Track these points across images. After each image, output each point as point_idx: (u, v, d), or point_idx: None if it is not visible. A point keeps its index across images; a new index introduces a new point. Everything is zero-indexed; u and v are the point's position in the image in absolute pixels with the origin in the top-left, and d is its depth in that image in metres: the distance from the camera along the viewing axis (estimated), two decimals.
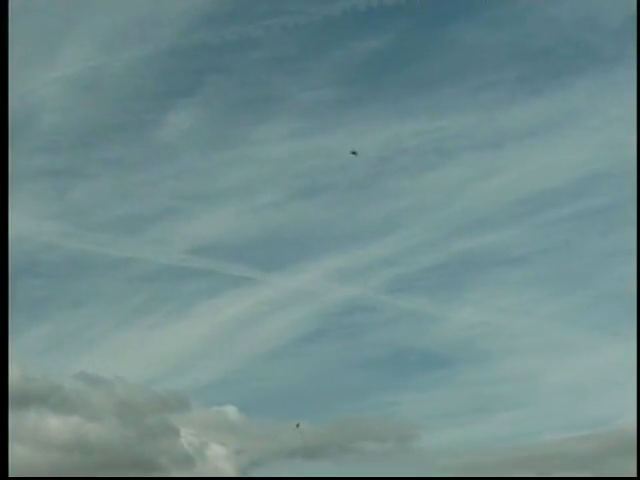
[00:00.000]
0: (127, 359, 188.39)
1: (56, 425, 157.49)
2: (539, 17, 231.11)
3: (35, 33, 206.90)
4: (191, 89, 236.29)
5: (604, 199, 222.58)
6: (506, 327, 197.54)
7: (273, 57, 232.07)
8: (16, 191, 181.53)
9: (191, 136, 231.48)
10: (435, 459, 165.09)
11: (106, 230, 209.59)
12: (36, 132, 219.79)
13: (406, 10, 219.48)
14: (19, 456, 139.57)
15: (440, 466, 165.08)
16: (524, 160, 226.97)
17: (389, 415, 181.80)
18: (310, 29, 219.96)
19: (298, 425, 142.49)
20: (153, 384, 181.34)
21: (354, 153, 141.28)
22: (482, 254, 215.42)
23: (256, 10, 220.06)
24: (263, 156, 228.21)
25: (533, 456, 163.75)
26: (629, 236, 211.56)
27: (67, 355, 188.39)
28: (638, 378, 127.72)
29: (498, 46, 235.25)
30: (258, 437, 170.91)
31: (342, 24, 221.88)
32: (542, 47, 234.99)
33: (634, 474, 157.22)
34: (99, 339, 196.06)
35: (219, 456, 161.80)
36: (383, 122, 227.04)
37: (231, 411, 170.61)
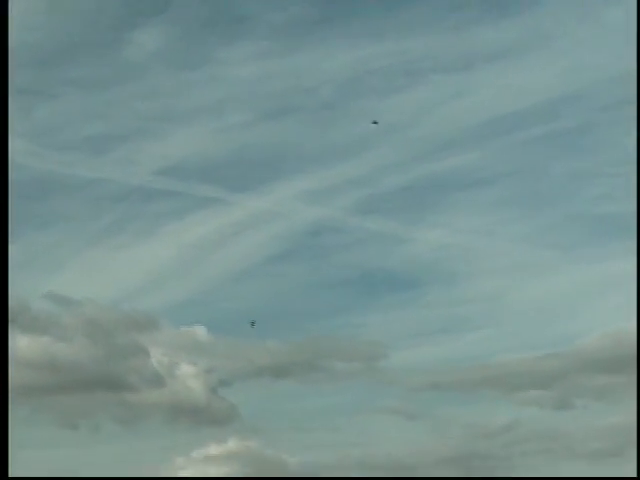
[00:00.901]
0: (95, 279, 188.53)
1: (25, 345, 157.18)
2: None
3: None
4: (158, 8, 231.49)
5: (573, 121, 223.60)
6: (473, 249, 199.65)
7: None
8: None
9: (159, 55, 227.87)
10: (403, 378, 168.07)
11: (73, 150, 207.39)
12: None
13: None
14: None
15: (407, 384, 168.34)
16: (493, 82, 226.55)
17: (357, 335, 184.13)
18: None
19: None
20: (122, 304, 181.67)
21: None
22: (450, 176, 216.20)
23: None
24: (232, 76, 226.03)
25: (498, 374, 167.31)
26: (597, 158, 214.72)
27: (35, 276, 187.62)
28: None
29: None
30: (227, 356, 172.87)
31: None
32: None
33: (594, 392, 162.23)
34: (67, 259, 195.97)
35: (189, 375, 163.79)
36: (352, 42, 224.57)
37: (200, 331, 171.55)
